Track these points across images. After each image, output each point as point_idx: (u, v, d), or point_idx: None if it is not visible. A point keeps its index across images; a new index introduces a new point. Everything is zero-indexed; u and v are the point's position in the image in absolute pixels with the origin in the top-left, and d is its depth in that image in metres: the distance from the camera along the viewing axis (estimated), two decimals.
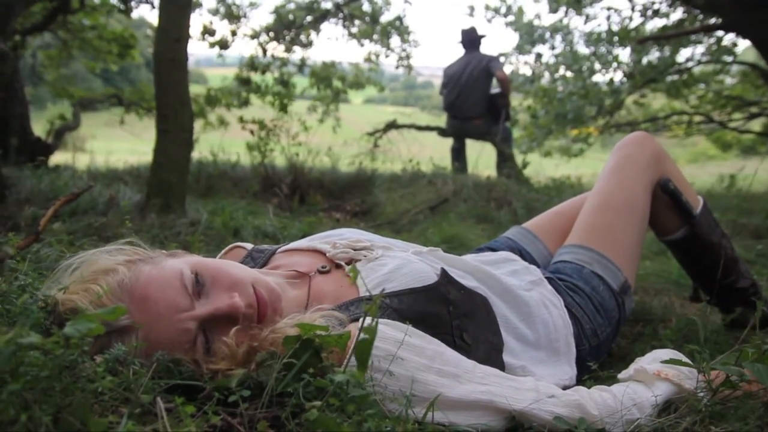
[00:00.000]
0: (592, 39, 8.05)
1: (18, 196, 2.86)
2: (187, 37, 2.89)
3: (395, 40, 7.62)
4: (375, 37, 7.43)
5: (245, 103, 6.78)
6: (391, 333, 0.89)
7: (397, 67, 7.85)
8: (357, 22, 7.39)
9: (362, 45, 7.61)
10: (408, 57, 7.74)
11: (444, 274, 1.11)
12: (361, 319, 0.82)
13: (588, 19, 7.99)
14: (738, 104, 7.89)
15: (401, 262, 1.10)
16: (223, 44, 7.12)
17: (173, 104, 2.84)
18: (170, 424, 0.68)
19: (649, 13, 7.12)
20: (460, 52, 6.04)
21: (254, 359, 0.86)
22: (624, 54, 9.71)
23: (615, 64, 7.99)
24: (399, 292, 1.03)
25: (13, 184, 2.97)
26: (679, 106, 8.61)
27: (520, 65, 9.30)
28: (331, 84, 7.39)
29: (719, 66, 7.90)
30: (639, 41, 6.90)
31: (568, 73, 8.49)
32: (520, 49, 9.11)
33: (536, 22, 8.92)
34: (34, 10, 5.54)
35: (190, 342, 0.92)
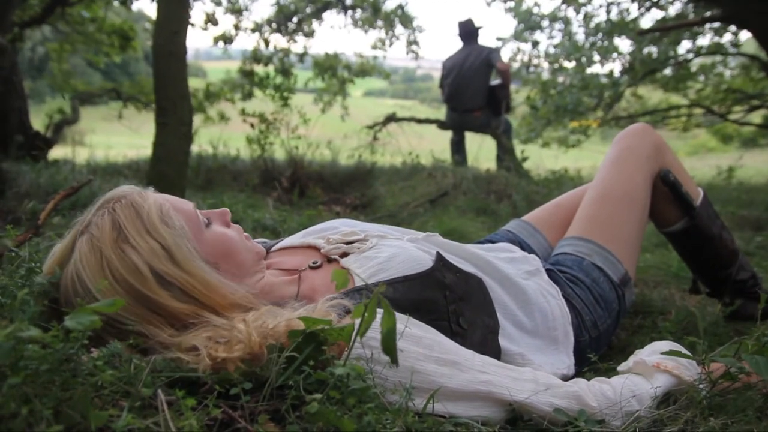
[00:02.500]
0: (590, 29, 8.00)
1: (18, 190, 2.86)
2: (186, 29, 2.88)
3: (399, 29, 7.58)
4: (379, 24, 7.38)
5: (249, 95, 6.76)
6: None
7: (407, 53, 7.80)
8: (359, 11, 7.35)
9: (366, 32, 7.57)
10: (415, 42, 7.69)
11: (439, 258, 1.11)
12: (362, 310, 0.81)
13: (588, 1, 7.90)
14: (738, 97, 7.85)
15: (396, 251, 1.10)
16: (227, 39, 7.10)
17: (172, 97, 2.83)
18: (171, 417, 0.68)
19: (647, 4, 7.08)
20: (458, 44, 6.01)
21: (265, 347, 0.84)
22: (624, 45, 9.66)
23: (614, 55, 7.94)
24: (394, 281, 1.03)
25: (13, 178, 2.96)
26: (679, 99, 8.57)
27: (519, 54, 9.25)
28: (336, 73, 7.34)
29: (719, 58, 7.86)
30: (639, 33, 6.85)
31: (568, 64, 8.44)
32: (519, 37, 9.06)
33: (535, 10, 8.87)
34: (33, 2, 5.51)
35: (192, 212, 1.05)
